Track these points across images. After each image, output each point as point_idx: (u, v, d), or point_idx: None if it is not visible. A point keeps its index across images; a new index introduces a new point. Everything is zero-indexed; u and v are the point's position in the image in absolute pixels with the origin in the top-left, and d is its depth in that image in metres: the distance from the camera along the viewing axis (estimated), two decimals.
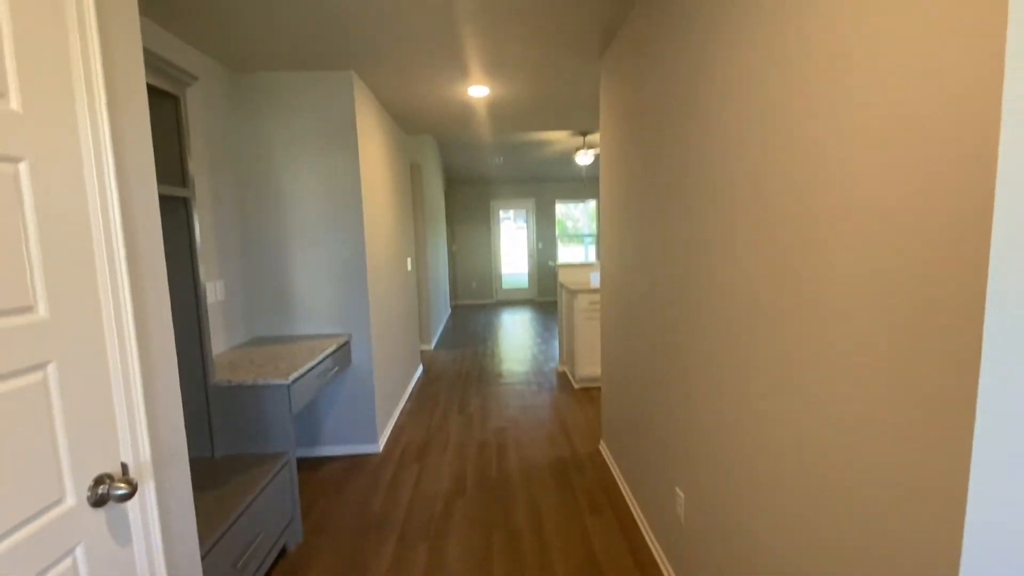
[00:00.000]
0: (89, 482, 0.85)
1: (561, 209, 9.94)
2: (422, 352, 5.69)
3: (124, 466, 0.93)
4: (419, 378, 4.66)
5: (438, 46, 2.53)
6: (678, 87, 1.65)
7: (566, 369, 4.66)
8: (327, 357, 2.57)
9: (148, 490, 0.98)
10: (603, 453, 2.95)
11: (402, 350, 4.03)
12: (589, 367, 4.13)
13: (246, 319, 2.88)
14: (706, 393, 1.50)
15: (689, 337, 1.62)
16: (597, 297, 4.05)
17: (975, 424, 0.65)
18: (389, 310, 3.59)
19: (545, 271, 9.73)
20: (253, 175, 2.86)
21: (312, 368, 2.36)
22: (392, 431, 3.42)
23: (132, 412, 0.95)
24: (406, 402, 4.00)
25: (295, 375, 2.14)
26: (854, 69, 0.86)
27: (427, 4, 2.06)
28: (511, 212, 9.80)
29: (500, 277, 9.76)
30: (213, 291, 2.53)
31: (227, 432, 2.11)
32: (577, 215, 10.27)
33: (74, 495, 0.83)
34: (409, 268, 4.48)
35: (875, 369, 0.83)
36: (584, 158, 6.03)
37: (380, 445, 3.13)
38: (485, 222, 9.57)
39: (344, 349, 2.88)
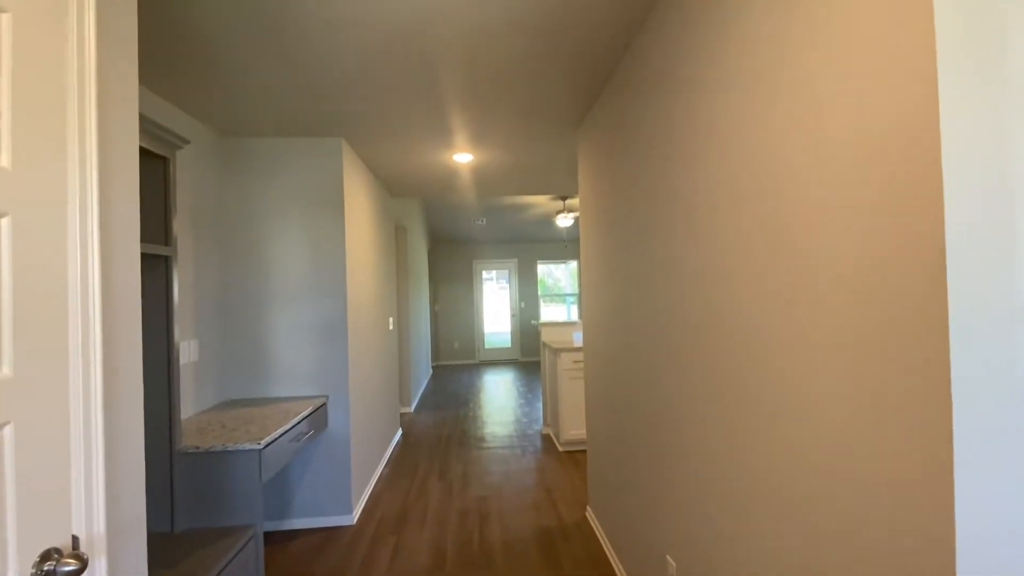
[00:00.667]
0: (35, 558, 0.78)
1: (543, 269, 10.11)
2: (401, 415, 5.51)
3: (75, 539, 0.86)
4: (398, 442, 4.48)
5: (423, 118, 2.67)
6: (650, 156, 1.76)
7: (551, 431, 4.54)
8: (302, 420, 2.47)
9: (99, 567, 0.90)
10: (590, 520, 2.82)
11: (381, 413, 3.90)
12: (574, 429, 4.04)
13: (219, 381, 2.78)
14: (694, 454, 1.48)
15: (673, 396, 1.62)
16: (581, 356, 4.04)
17: (954, 476, 0.65)
18: (369, 371, 3.51)
19: (528, 331, 9.73)
20: (236, 235, 2.87)
21: (286, 432, 2.26)
22: (368, 500, 3.24)
23: (90, 480, 0.89)
24: (383, 468, 3.82)
25: (267, 440, 2.04)
26: (820, 137, 0.93)
27: (413, 83, 2.20)
28: (493, 272, 9.92)
29: (483, 337, 9.70)
30: (187, 351, 2.46)
31: (190, 503, 1.98)
32: (559, 275, 10.44)
33: (16, 573, 0.76)
34: (391, 328, 4.44)
35: (857, 424, 0.84)
36: (564, 221, 6.23)
37: (355, 516, 2.94)
38: (468, 282, 9.65)
39: (320, 412, 2.78)
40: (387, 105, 2.49)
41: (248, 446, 1.98)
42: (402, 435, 4.72)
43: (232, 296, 2.86)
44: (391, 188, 4.35)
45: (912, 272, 0.71)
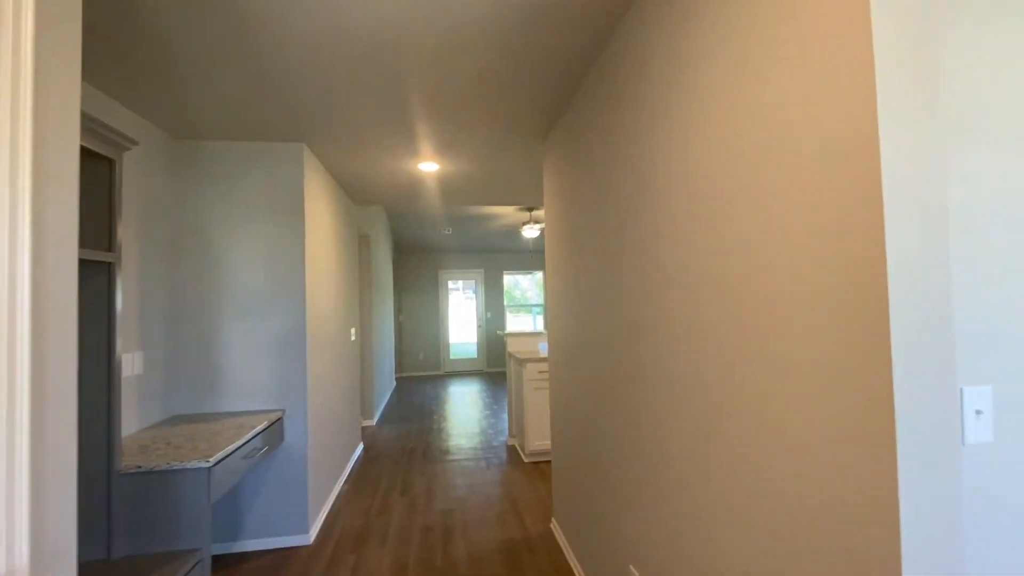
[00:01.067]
0: None
1: (509, 280, 10.13)
2: (363, 428, 5.36)
3: None
4: (359, 457, 4.35)
5: (389, 126, 2.64)
6: (615, 170, 1.79)
7: (516, 442, 4.52)
8: (256, 435, 2.36)
9: None
10: (555, 532, 2.81)
11: (341, 426, 3.78)
12: (540, 440, 4.03)
13: (166, 395, 2.63)
14: (658, 463, 1.49)
15: (638, 407, 1.63)
16: (546, 366, 4.05)
17: (898, 487, 0.68)
18: (329, 383, 3.40)
19: (494, 341, 9.69)
20: (189, 242, 2.74)
21: (238, 448, 2.15)
22: (326, 518, 3.12)
23: (12, 508, 0.82)
24: (344, 484, 3.69)
25: (218, 457, 1.94)
26: (776, 160, 0.97)
27: (378, 91, 2.17)
28: (459, 282, 9.86)
29: (448, 347, 9.60)
30: (130, 364, 2.32)
31: (130, 528, 1.84)
32: (525, 285, 10.48)
33: None
34: (353, 338, 4.33)
35: (816, 438, 0.86)
36: (530, 232, 6.28)
37: (312, 535, 2.82)
38: (433, 292, 9.55)
39: (276, 426, 2.66)
40: (351, 111, 2.45)
41: (196, 464, 1.87)
42: (364, 449, 4.58)
43: (182, 305, 2.72)
44: (355, 196, 4.27)
45: (859, 291, 0.74)
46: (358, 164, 3.34)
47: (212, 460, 1.90)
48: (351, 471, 3.98)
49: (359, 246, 5.53)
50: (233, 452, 2.10)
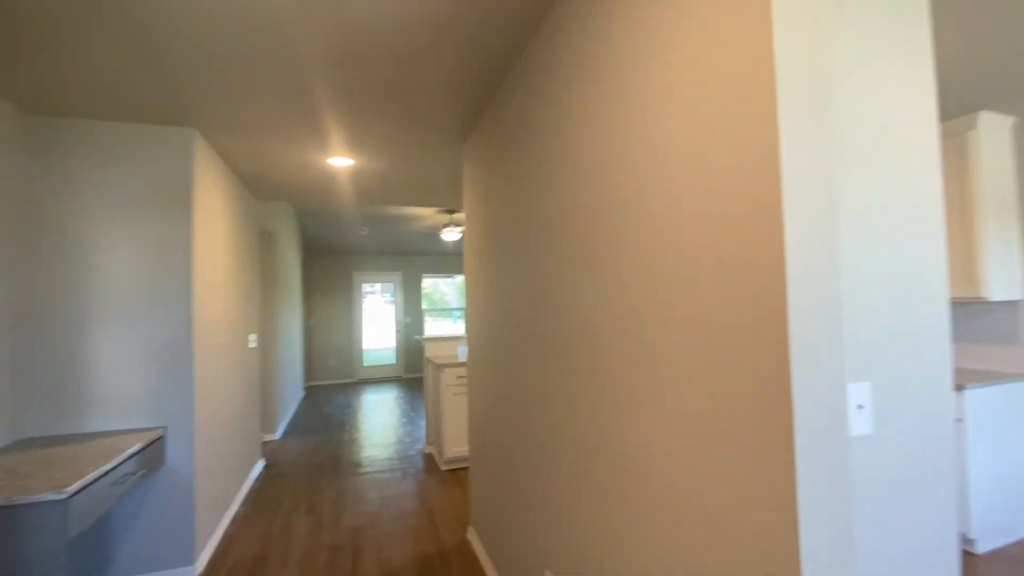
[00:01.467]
0: None
1: (429, 283, 9.93)
2: (265, 443, 4.94)
3: None
4: (259, 475, 3.99)
5: (294, 115, 2.44)
6: (531, 178, 1.78)
7: (433, 450, 4.40)
8: (129, 458, 2.06)
9: None
10: (472, 541, 2.75)
11: (237, 442, 3.44)
12: (457, 446, 3.95)
13: (13, 415, 2.21)
14: (573, 469, 1.49)
15: (555, 412, 1.63)
16: (465, 370, 3.99)
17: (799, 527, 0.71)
18: (221, 395, 3.08)
19: (413, 346, 9.44)
20: (47, 235, 2.34)
21: (105, 474, 1.86)
22: (219, 544, 2.80)
23: None
24: (239, 506, 3.35)
25: (76, 486, 1.65)
26: (683, 173, 1.00)
27: (278, 72, 2.00)
28: (377, 285, 9.50)
29: (362, 354, 9.18)
30: None
31: None
32: (445, 289, 10.33)
33: None
34: (252, 345, 3.97)
35: (730, 449, 0.89)
36: (451, 235, 6.19)
37: (199, 566, 2.52)
38: (347, 295, 9.10)
39: (155, 446, 2.35)
40: (250, 95, 2.24)
41: (47, 496, 1.58)
42: (265, 466, 4.22)
43: (36, 311, 2.32)
44: (255, 189, 3.93)
45: (762, 294, 0.78)
46: (260, 155, 3.07)
47: (69, 491, 1.61)
48: (249, 491, 3.63)
49: (261, 244, 5.12)
50: (98, 479, 1.81)
